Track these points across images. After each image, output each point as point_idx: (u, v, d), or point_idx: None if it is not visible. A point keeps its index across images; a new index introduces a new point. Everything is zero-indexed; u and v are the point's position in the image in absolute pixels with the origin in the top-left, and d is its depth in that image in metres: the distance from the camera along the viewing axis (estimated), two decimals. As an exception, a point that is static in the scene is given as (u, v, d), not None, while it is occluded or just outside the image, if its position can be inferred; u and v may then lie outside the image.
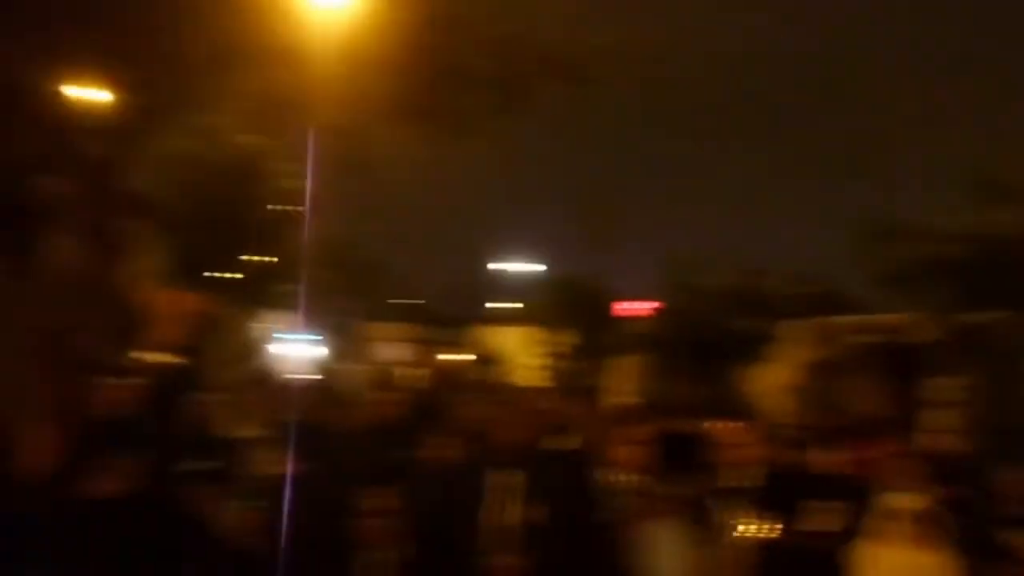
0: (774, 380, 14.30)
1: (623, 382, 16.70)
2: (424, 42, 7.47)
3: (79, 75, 6.82)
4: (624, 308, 18.96)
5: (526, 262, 28.69)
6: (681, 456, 5.06)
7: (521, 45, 7.25)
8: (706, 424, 6.02)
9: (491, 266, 30.13)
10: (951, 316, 10.58)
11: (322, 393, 7.36)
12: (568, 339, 18.23)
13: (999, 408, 10.45)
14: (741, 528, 5.13)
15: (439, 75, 7.48)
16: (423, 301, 29.78)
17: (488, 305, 27.29)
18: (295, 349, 15.63)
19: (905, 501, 5.42)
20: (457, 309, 26.65)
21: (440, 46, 7.25)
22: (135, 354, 6.52)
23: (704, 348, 14.68)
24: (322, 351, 18.76)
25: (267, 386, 6.85)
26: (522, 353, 19.19)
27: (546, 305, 19.36)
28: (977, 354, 10.45)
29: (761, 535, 5.27)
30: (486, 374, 19.04)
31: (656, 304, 17.54)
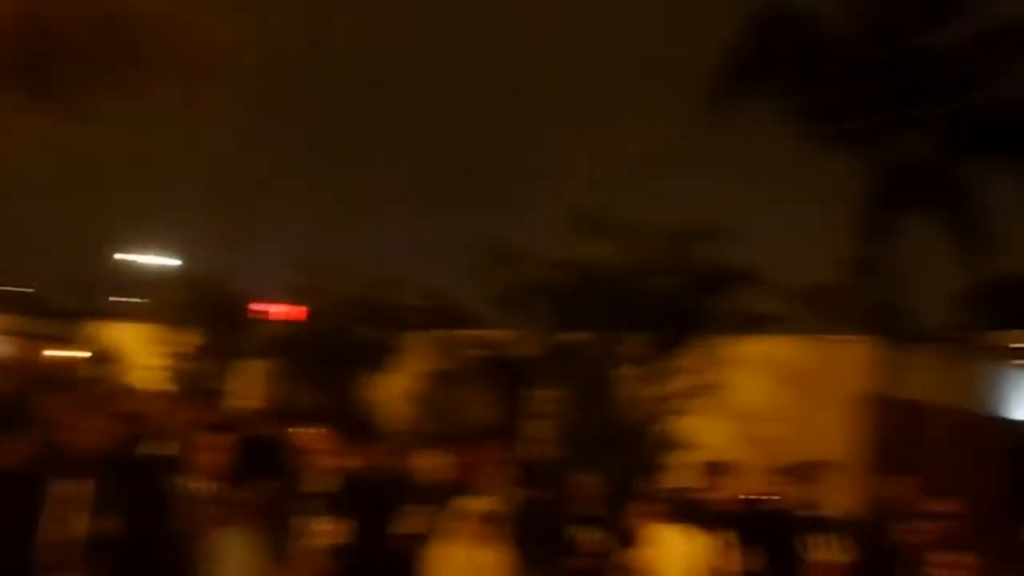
0: (396, 388, 14.83)
1: (249, 386, 16.32)
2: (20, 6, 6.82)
3: None
4: (258, 310, 18.54)
5: (158, 255, 27.01)
6: (262, 462, 5.08)
7: (128, 23, 6.86)
8: (293, 430, 6.11)
9: (118, 257, 27.96)
10: (550, 335, 11.65)
11: None
12: (194, 339, 17.41)
13: (586, 418, 11.72)
14: (318, 532, 5.26)
15: (37, 42, 6.85)
16: (32, 290, 26.90)
17: (111, 299, 25.31)
18: None
19: (474, 503, 5.92)
20: (74, 301, 24.36)
21: (38, 13, 6.66)
22: None
23: (331, 355, 14.82)
24: None
25: None
26: (143, 352, 18.01)
27: (175, 302, 18.32)
28: (570, 370, 11.64)
29: (337, 539, 5.45)
30: (99, 373, 17.62)
31: (289, 308, 17.38)
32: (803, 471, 7.27)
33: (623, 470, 9.65)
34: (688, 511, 6.83)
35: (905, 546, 6.78)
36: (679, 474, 9.89)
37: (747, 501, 7.74)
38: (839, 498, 8.80)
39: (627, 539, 7.11)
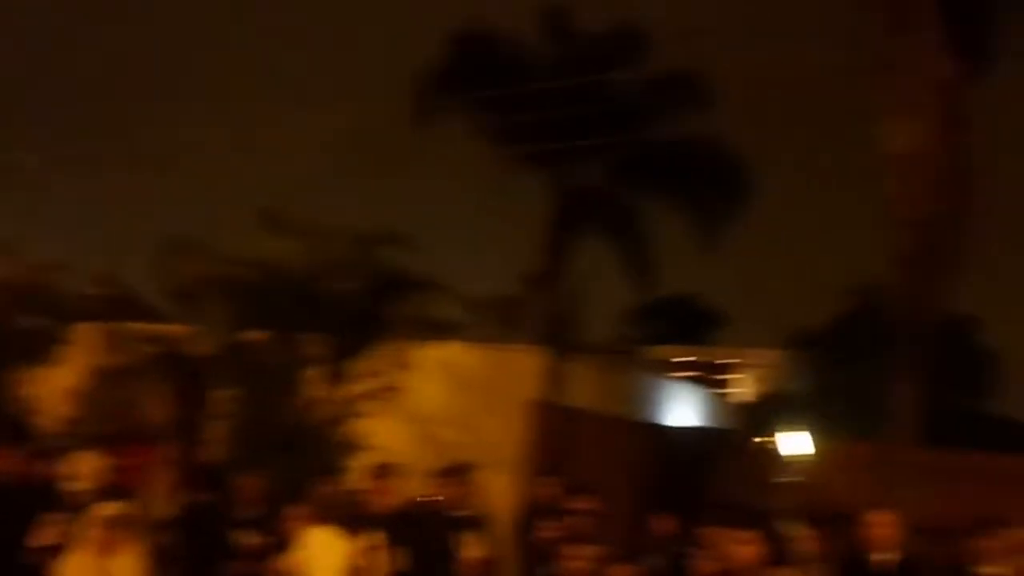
0: (57, 384, 13.59)
1: None
2: None
3: None
4: None
5: None
6: None
7: None
8: None
9: None
10: (229, 332, 11.29)
11: None
12: None
13: (263, 420, 11.47)
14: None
15: None
16: None
17: None
18: None
19: (108, 508, 5.59)
20: None
21: None
22: None
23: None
24: None
25: None
26: None
27: None
28: (248, 369, 11.33)
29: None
30: None
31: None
32: (459, 472, 7.62)
33: (298, 472, 9.56)
34: (343, 513, 6.92)
35: (544, 541, 7.34)
36: (354, 476, 9.97)
37: (409, 502, 7.97)
38: (499, 498, 9.34)
39: (283, 542, 7.08)
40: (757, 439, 13.17)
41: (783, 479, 11.86)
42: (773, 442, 12.51)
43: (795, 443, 12.33)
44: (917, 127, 10.52)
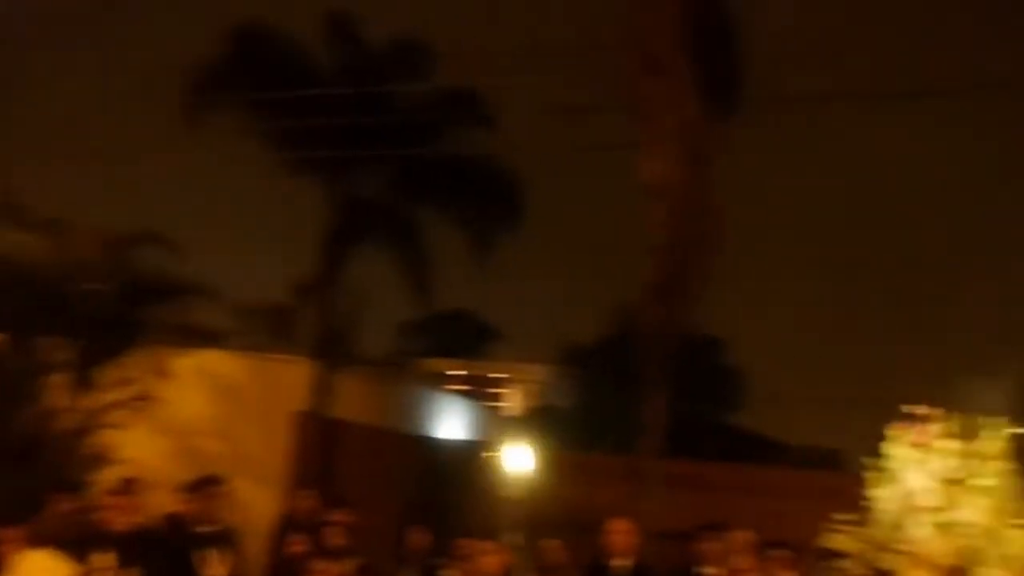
0: None
1: None
2: None
3: None
4: None
5: None
6: None
7: None
8: None
9: None
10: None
11: None
12: None
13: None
14: None
15: None
16: None
17: None
18: None
19: None
20: None
21: None
22: None
23: None
24: None
25: None
26: None
27: None
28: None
29: None
30: None
31: None
32: (207, 485, 7.30)
33: (33, 489, 8.79)
34: (73, 533, 6.42)
35: (295, 555, 7.18)
36: (96, 491, 9.31)
37: (152, 519, 7.54)
38: (260, 512, 9.04)
39: (-4, 568, 6.46)
40: (489, 453, 13.54)
41: (510, 492, 12.30)
42: (501, 456, 12.94)
43: (518, 457, 12.83)
44: (664, 161, 11.27)
